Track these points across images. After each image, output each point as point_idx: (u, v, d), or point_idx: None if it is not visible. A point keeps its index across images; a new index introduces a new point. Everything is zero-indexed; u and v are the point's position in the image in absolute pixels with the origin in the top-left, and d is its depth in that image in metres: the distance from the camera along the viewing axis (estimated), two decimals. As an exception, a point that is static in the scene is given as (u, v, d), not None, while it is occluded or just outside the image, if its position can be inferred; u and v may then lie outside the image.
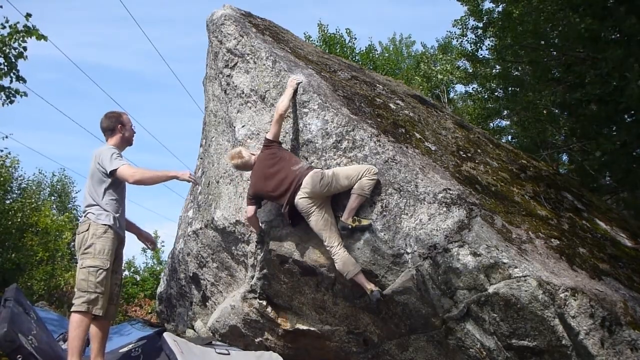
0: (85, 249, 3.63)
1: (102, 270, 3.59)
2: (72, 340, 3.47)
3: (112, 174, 3.76)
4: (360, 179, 3.78)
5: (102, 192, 3.78)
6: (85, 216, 3.77)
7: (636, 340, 3.31)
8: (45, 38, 8.06)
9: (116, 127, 4.00)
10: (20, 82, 8.18)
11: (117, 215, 3.81)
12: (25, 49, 8.07)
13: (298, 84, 4.26)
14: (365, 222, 3.78)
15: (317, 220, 3.81)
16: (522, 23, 8.99)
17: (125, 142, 4.07)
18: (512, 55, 10.09)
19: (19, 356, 3.34)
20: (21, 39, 7.92)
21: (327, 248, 3.83)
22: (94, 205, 3.76)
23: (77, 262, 3.86)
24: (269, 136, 4.06)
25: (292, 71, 4.42)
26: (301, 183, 3.78)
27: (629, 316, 3.41)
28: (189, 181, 3.94)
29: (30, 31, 7.93)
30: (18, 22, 7.96)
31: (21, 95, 8.31)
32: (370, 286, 3.74)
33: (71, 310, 3.55)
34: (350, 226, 3.76)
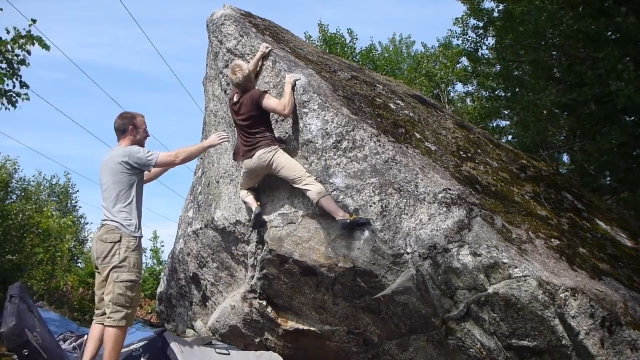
0: (120, 262, 3.53)
1: (136, 284, 3.58)
2: (110, 354, 3.40)
3: (155, 164, 3.77)
4: (301, 186, 3.92)
5: (131, 193, 3.70)
6: (111, 221, 3.61)
7: (636, 340, 3.31)
8: (47, 48, 7.98)
9: (127, 128, 3.86)
10: (24, 88, 8.12)
11: (140, 220, 3.78)
12: (29, 53, 8.02)
13: (296, 81, 4.25)
14: (362, 215, 3.80)
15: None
16: (523, 23, 8.98)
17: (137, 145, 3.88)
18: (512, 54, 10.08)
19: (25, 351, 3.32)
20: (24, 44, 7.85)
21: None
22: (123, 211, 3.63)
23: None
24: (264, 102, 4.06)
25: (292, 71, 4.41)
26: (255, 152, 4.03)
27: (629, 316, 3.41)
28: (221, 142, 4.20)
29: (32, 37, 7.86)
30: (24, 28, 7.90)
31: (23, 99, 8.23)
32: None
33: (109, 324, 3.46)
34: (348, 220, 3.75)
